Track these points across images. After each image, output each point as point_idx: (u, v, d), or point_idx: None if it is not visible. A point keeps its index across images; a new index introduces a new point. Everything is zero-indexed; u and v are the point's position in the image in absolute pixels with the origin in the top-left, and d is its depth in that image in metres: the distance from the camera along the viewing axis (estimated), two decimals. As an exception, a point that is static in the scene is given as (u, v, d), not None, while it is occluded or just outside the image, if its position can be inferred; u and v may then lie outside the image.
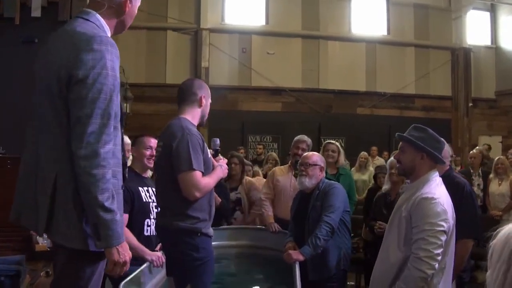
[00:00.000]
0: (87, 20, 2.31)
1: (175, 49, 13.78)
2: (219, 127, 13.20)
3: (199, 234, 3.06)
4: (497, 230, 1.27)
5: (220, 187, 5.18)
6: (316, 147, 10.70)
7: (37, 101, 2.31)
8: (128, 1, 2.39)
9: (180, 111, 3.22)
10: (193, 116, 3.22)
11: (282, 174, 5.47)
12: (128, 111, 9.91)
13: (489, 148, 10.84)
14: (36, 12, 6.22)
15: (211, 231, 3.19)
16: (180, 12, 13.80)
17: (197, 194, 3.03)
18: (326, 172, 5.40)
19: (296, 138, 5.49)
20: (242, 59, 14.01)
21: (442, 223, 2.81)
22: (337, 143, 5.83)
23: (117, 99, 2.27)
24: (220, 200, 5.04)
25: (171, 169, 3.05)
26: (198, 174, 3.01)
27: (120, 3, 2.38)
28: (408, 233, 2.90)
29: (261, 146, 11.73)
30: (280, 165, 7.36)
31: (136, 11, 2.49)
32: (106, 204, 2.11)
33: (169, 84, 12.84)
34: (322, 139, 13.58)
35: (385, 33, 15.18)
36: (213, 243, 4.69)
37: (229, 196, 5.40)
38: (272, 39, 14.27)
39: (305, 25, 14.43)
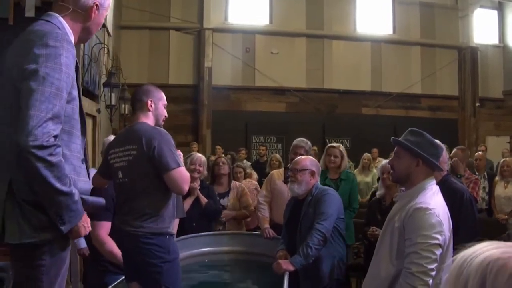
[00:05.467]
0: (48, 21, 2.25)
1: (178, 49, 13.71)
2: (222, 127, 13.15)
3: (167, 237, 3.13)
4: (451, 260, 1.06)
5: (207, 188, 5.12)
6: (320, 148, 10.66)
7: None
8: (95, 8, 2.34)
9: (136, 118, 3.30)
10: (148, 120, 3.26)
11: (280, 178, 5.34)
12: (126, 112, 9.82)
13: (485, 149, 10.66)
14: (29, 12, 6.12)
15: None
16: (183, 11, 13.72)
17: (186, 188, 3.19)
18: (326, 178, 5.27)
19: (294, 142, 5.28)
20: (245, 59, 13.90)
21: (437, 235, 2.63)
22: (341, 147, 5.54)
23: (71, 103, 2.22)
24: (206, 200, 4.99)
25: (146, 172, 3.07)
26: (183, 169, 3.13)
27: (86, 8, 2.33)
28: (400, 246, 2.73)
29: (263, 148, 11.58)
30: (284, 166, 7.24)
31: (103, 21, 2.44)
32: (64, 188, 2.10)
33: (172, 84, 12.80)
34: (327, 140, 13.48)
35: (391, 32, 15.00)
36: (206, 249, 4.67)
37: (216, 197, 5.28)
38: (276, 38, 14.15)
39: (309, 24, 14.29)
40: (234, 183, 5.69)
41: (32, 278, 2.19)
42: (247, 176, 7.03)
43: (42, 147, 2.01)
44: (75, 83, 2.26)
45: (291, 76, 14.01)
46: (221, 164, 5.57)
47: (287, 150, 12.79)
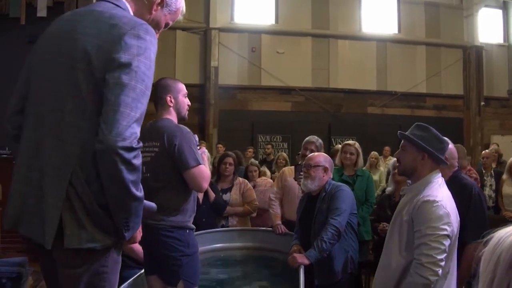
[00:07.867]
0: (117, 5, 2.06)
1: (184, 48, 13.76)
2: (229, 126, 13.20)
3: (187, 231, 3.18)
4: (489, 237, 1.20)
5: (211, 184, 5.18)
6: (326, 147, 10.69)
7: (42, 87, 2.00)
8: (158, 4, 2.17)
9: (159, 114, 3.34)
10: (170, 115, 3.31)
11: (291, 175, 5.44)
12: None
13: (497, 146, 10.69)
14: (41, 12, 6.22)
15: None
16: (189, 11, 13.59)
17: (206, 185, 3.28)
18: (342, 174, 5.37)
19: (305, 139, 5.40)
20: (251, 58, 13.96)
21: (445, 227, 2.73)
22: (356, 145, 5.60)
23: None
24: (214, 195, 5.11)
25: (168, 168, 3.14)
26: (203, 167, 3.18)
27: (151, 0, 2.17)
28: (409, 238, 2.82)
29: (269, 146, 11.63)
30: (290, 165, 7.31)
31: (162, 24, 2.25)
32: (138, 194, 1.91)
33: (179, 83, 12.78)
34: (332, 139, 13.56)
35: (396, 31, 15.04)
36: (218, 245, 4.73)
37: (219, 192, 5.39)
38: (281, 38, 14.20)
39: (315, 24, 14.35)
40: (238, 179, 5.73)
41: (94, 286, 1.99)
42: (261, 174, 7.00)
43: (130, 149, 1.82)
44: None
45: (297, 75, 14.06)
46: (228, 165, 5.61)
47: (293, 149, 12.92)
